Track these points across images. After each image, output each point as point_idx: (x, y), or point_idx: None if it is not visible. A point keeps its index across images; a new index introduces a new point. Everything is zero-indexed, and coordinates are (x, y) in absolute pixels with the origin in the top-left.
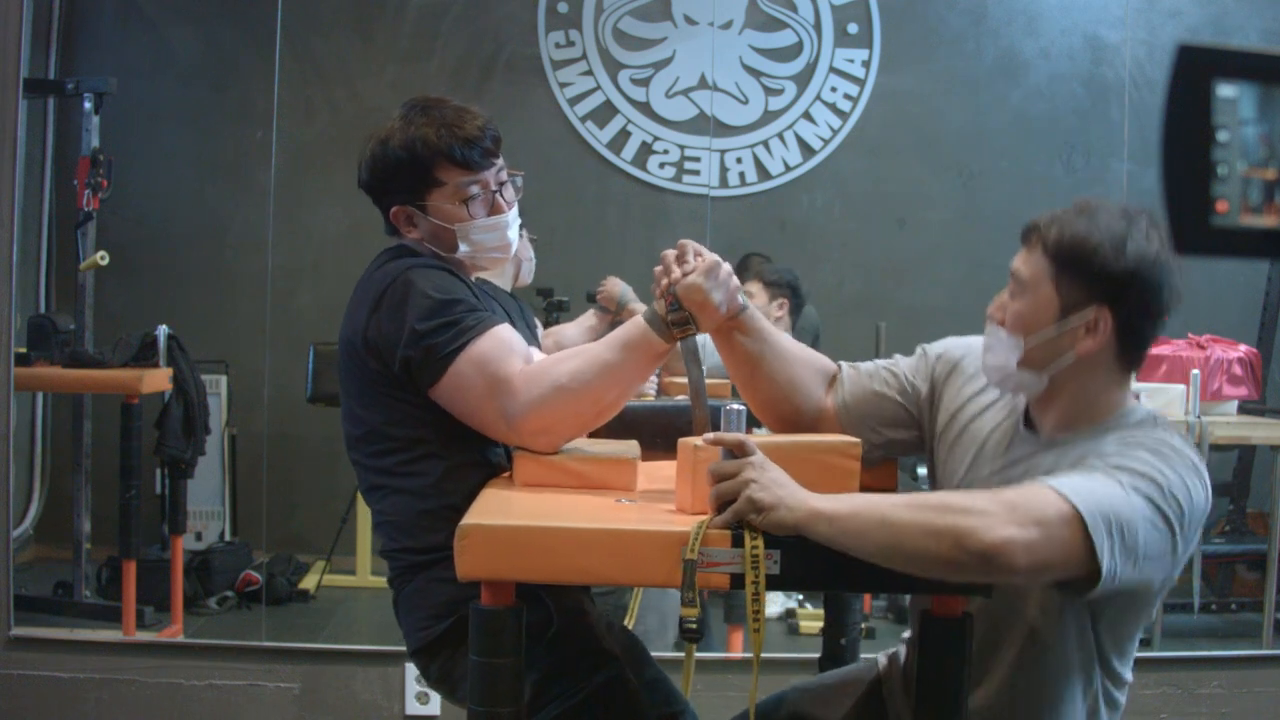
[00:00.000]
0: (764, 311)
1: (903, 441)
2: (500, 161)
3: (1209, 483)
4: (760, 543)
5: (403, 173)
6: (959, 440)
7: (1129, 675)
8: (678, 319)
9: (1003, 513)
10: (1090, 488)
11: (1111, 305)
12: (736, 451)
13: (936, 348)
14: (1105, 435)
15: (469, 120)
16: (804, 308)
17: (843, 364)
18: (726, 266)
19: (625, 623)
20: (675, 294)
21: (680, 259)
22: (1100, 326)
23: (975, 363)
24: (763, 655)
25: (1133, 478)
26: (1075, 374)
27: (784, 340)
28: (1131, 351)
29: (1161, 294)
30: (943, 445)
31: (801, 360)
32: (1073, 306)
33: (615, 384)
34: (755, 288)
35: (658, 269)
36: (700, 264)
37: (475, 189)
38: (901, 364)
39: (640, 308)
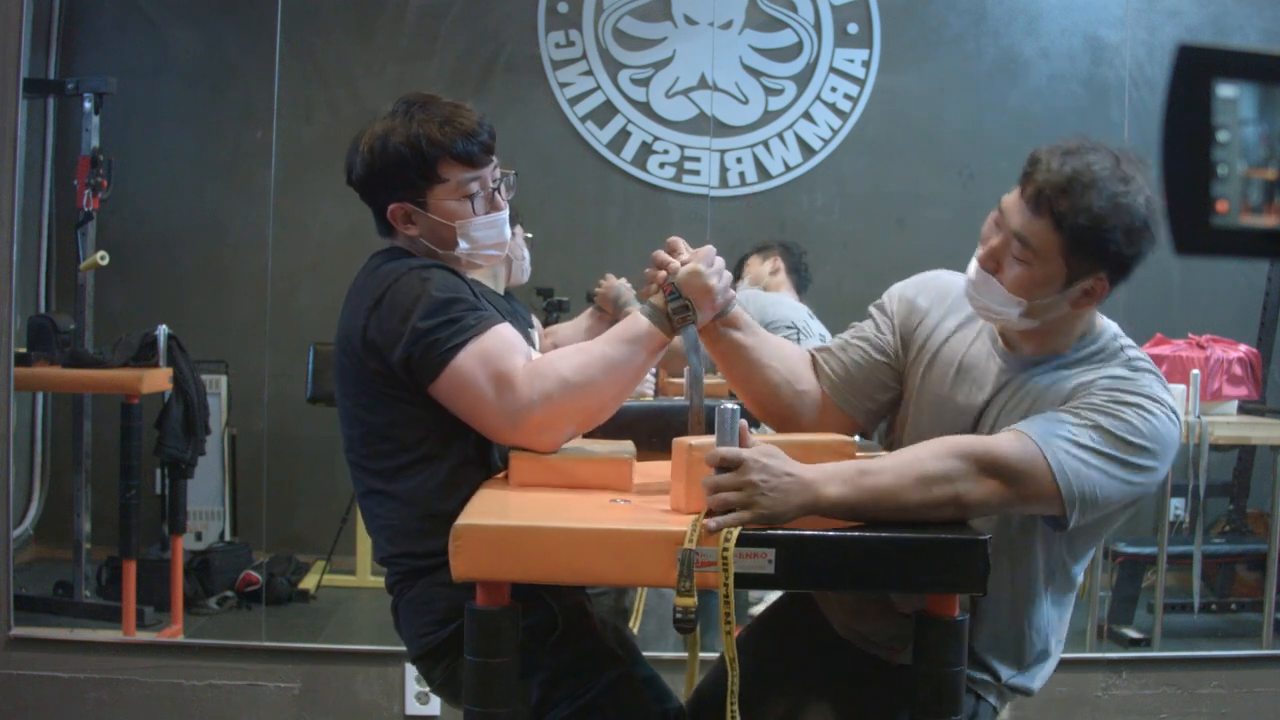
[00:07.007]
0: (760, 275)
1: (891, 400)
2: (495, 159)
3: (1177, 410)
4: (732, 544)
5: (405, 169)
6: (934, 363)
7: (1079, 578)
8: (678, 307)
9: (988, 476)
10: (1064, 445)
11: (1114, 274)
12: (733, 467)
13: (887, 300)
14: (1085, 362)
15: (467, 116)
16: (805, 268)
17: (811, 351)
18: (720, 256)
19: (630, 625)
20: (674, 284)
21: (673, 252)
22: (1098, 288)
23: (929, 297)
24: None
25: (1108, 440)
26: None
27: (767, 333)
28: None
29: (1153, 250)
30: (916, 372)
31: (786, 350)
32: (1079, 277)
33: (618, 379)
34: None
35: (648, 270)
36: (696, 253)
37: (475, 185)
38: (865, 329)
39: (637, 308)
